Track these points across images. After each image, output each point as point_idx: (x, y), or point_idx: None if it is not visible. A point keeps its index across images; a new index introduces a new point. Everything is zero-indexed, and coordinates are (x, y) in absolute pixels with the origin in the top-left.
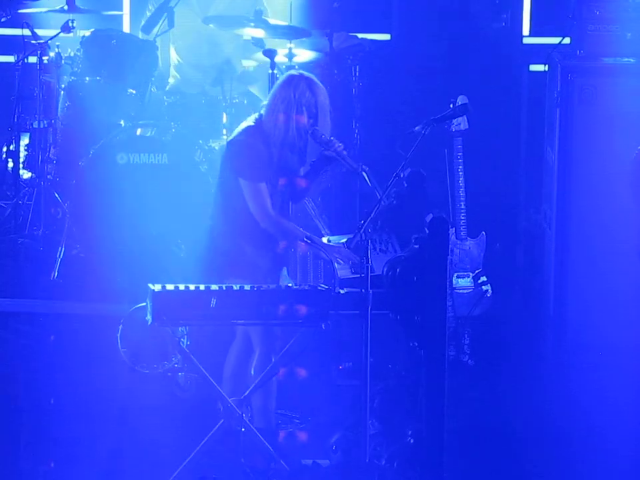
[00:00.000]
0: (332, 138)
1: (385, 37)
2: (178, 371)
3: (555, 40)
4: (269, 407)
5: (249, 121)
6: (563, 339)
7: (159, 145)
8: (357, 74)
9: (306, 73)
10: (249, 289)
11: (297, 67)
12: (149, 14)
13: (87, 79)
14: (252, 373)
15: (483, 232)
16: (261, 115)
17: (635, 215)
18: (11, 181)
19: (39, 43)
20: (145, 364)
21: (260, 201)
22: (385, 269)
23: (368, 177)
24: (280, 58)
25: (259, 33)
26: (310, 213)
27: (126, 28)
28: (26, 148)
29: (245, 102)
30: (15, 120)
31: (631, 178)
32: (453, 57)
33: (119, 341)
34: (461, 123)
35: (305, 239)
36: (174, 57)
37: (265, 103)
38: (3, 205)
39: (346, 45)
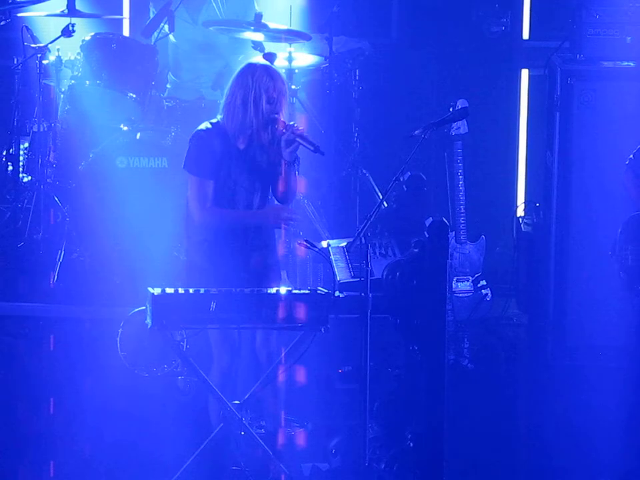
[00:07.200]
0: (292, 122)
1: (385, 40)
2: (177, 375)
3: (554, 44)
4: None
5: (207, 121)
6: (563, 343)
7: (159, 149)
8: (357, 78)
9: (263, 61)
10: (248, 292)
11: (296, 70)
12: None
13: (87, 82)
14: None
15: (483, 236)
16: (220, 112)
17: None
18: (11, 185)
19: (38, 47)
20: (145, 367)
21: (196, 195)
22: (385, 273)
23: (370, 178)
24: (280, 62)
25: (259, 36)
26: (309, 216)
27: (126, 32)
28: (26, 151)
29: None
30: (15, 123)
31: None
32: (453, 60)
33: (118, 345)
34: (460, 127)
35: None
36: (172, 61)
37: (222, 100)
38: (2, 208)
39: (346, 48)
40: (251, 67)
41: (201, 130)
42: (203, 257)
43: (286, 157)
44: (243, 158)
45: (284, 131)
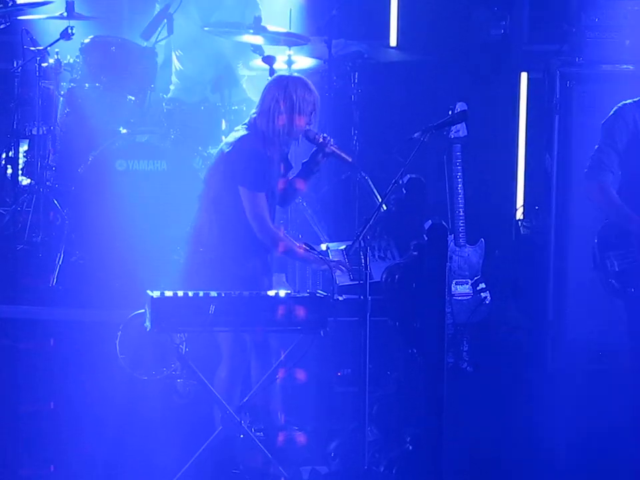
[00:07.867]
0: (325, 135)
1: (384, 43)
2: (176, 378)
3: (554, 47)
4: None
5: (242, 130)
6: (562, 346)
7: (158, 152)
8: (356, 81)
9: (296, 74)
10: (247, 295)
11: (295, 73)
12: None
13: (87, 85)
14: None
15: (482, 239)
16: (251, 121)
17: None
18: (10, 188)
19: (38, 50)
20: (144, 370)
21: (260, 212)
22: (384, 276)
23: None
24: (279, 65)
25: (258, 39)
26: (308, 219)
27: (125, 34)
28: (25, 154)
29: (244, 108)
30: (14, 126)
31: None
32: (452, 63)
33: (117, 348)
34: (459, 130)
35: (306, 248)
36: (176, 64)
37: (257, 108)
38: (1, 211)
39: (345, 51)
40: (290, 80)
41: (252, 143)
42: (241, 261)
43: (314, 169)
44: (275, 167)
45: (325, 144)
